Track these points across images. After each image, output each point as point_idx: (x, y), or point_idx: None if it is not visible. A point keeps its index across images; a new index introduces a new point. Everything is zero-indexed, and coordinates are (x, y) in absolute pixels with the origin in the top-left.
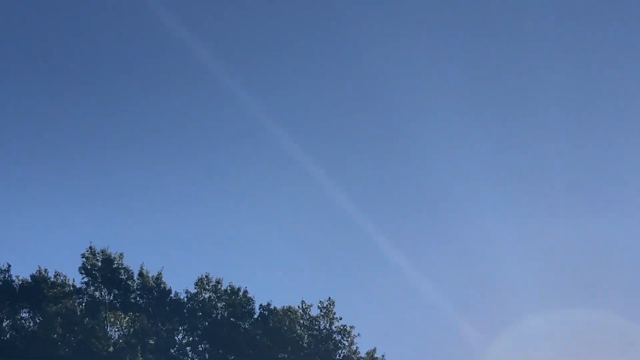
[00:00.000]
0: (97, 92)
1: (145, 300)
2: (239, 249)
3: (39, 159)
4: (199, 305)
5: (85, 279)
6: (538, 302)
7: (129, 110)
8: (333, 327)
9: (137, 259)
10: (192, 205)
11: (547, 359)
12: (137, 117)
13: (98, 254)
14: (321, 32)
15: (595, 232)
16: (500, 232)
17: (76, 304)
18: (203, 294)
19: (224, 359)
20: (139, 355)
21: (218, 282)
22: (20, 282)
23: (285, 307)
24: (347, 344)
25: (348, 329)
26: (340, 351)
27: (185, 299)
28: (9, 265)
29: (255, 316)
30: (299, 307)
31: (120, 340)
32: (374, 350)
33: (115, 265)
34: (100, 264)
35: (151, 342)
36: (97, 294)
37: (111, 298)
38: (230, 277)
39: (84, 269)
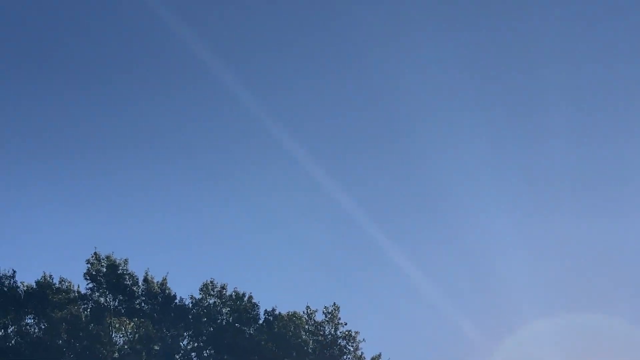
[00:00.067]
0: (98, 92)
1: (150, 306)
2: (241, 250)
3: (39, 161)
4: (203, 311)
5: (90, 285)
6: (544, 306)
7: (130, 110)
8: (338, 333)
9: (138, 261)
10: (193, 207)
11: None
12: (138, 117)
13: (103, 259)
14: (323, 32)
15: (600, 233)
16: (505, 234)
17: (81, 310)
18: (208, 300)
19: None
20: None
21: (223, 287)
22: (25, 288)
23: (290, 313)
24: (352, 349)
25: (353, 334)
26: (345, 356)
27: (190, 305)
28: (14, 272)
29: (260, 322)
30: (304, 312)
31: (125, 346)
32: (379, 355)
33: (120, 271)
34: (105, 269)
35: (156, 347)
36: (102, 299)
37: (116, 304)
38: (231, 278)
39: (88, 275)
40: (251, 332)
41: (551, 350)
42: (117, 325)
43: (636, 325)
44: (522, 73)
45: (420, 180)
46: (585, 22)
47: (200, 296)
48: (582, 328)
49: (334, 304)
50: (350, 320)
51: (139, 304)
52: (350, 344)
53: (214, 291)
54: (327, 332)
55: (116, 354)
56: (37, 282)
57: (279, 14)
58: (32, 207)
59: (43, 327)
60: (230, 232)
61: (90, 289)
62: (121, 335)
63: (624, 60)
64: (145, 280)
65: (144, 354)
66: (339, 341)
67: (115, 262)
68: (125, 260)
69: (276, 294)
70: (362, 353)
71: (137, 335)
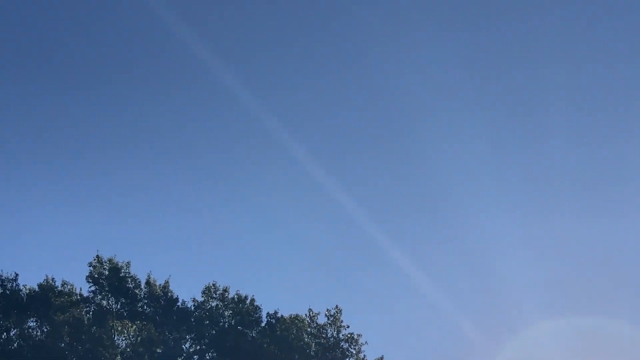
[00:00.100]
0: (98, 92)
1: (152, 308)
2: (240, 250)
3: (39, 162)
4: (206, 314)
5: (93, 288)
6: (546, 308)
7: (130, 110)
8: (340, 335)
9: (139, 261)
10: (193, 207)
11: None
12: (138, 117)
13: (105, 262)
14: (323, 32)
15: (602, 233)
16: (506, 234)
17: (83, 313)
18: (210, 303)
19: None
20: None
21: (225, 290)
22: (27, 291)
23: (292, 316)
24: (354, 352)
25: (355, 337)
26: (347, 359)
27: (193, 308)
28: (17, 274)
29: (263, 324)
30: (306, 315)
31: (128, 349)
32: (382, 358)
33: (122, 274)
34: (107, 272)
35: (158, 350)
36: (104, 302)
37: (118, 307)
38: (231, 278)
39: (91, 278)
40: (253, 335)
41: (554, 352)
42: (119, 328)
43: (639, 328)
44: (522, 73)
45: (421, 180)
46: (589, 20)
47: (202, 299)
48: (585, 330)
49: (337, 306)
50: (350, 320)
51: (142, 306)
52: (352, 346)
53: (216, 294)
54: (329, 335)
55: (118, 357)
56: (40, 285)
57: (279, 14)
58: (32, 209)
59: (45, 330)
60: (230, 232)
61: (92, 291)
62: (123, 338)
63: (625, 60)
64: (148, 283)
65: (146, 356)
66: (341, 344)
67: (117, 265)
68: (128, 263)
69: (276, 294)
70: (364, 356)
71: (139, 338)
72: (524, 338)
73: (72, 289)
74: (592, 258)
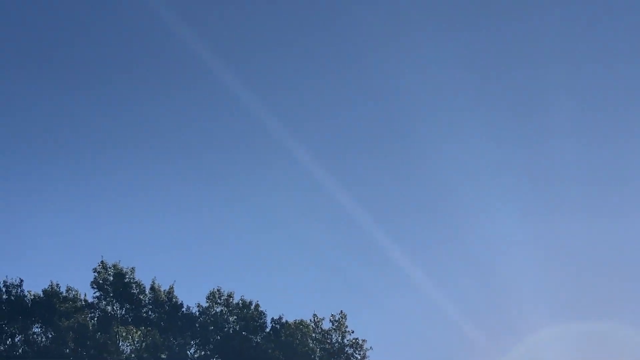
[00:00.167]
0: (98, 92)
1: (157, 314)
2: (240, 250)
3: (39, 164)
4: (210, 319)
5: (97, 294)
6: (552, 313)
7: (130, 111)
8: (345, 341)
9: (139, 262)
10: (193, 208)
11: None
12: (138, 118)
13: (109, 268)
14: (323, 32)
15: (607, 234)
16: (509, 234)
17: (88, 319)
18: (215, 308)
19: None
20: None
21: (230, 295)
22: (32, 297)
23: (297, 321)
24: (359, 357)
25: (360, 342)
26: None
27: (197, 313)
28: (21, 280)
29: (267, 330)
30: (310, 320)
31: (132, 355)
32: None
33: (126, 280)
34: (112, 278)
35: (163, 356)
36: (109, 308)
37: (123, 312)
38: (230, 277)
39: (95, 284)
40: (258, 340)
41: (559, 357)
42: (124, 334)
43: None
44: (523, 72)
45: (423, 180)
46: (594, 18)
47: (207, 304)
48: (591, 335)
49: (341, 311)
50: (351, 321)
51: (146, 312)
52: (357, 352)
53: (220, 299)
54: (334, 340)
55: None
56: (44, 291)
57: (279, 14)
58: (35, 214)
59: (50, 336)
60: (230, 232)
61: (97, 297)
62: (128, 344)
63: (634, 57)
64: (152, 288)
65: None
66: (346, 349)
67: (122, 270)
68: (132, 269)
69: (276, 294)
70: None
71: (144, 344)
72: (529, 342)
73: (77, 294)
74: (597, 260)
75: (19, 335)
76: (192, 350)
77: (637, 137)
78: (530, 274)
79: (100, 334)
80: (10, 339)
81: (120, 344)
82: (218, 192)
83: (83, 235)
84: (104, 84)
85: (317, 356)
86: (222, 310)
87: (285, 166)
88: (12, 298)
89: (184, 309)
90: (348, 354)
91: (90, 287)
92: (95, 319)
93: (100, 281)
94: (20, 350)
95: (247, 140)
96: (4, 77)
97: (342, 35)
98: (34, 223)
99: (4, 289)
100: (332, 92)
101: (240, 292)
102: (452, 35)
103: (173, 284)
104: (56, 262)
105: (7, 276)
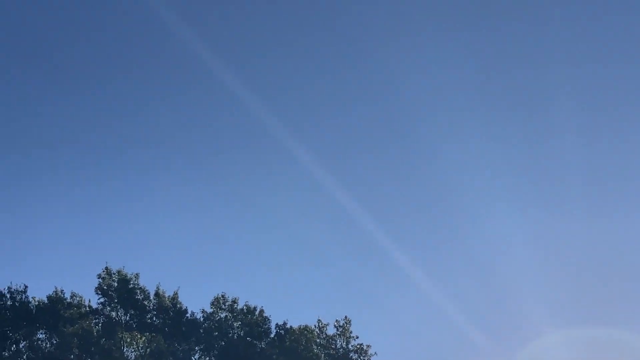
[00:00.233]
0: (98, 92)
1: (161, 320)
2: (240, 250)
3: (40, 167)
4: (215, 325)
5: (102, 300)
6: (557, 317)
7: (130, 111)
8: (350, 346)
9: (140, 261)
10: (193, 208)
11: None
12: (138, 118)
13: (114, 274)
14: (324, 32)
15: (610, 235)
16: (513, 235)
17: (93, 325)
18: (219, 314)
19: None
20: None
21: (234, 301)
22: (36, 303)
23: (301, 326)
24: None
25: (365, 347)
26: None
27: (202, 319)
28: (26, 287)
29: (272, 335)
30: (315, 325)
31: None
32: None
33: (131, 286)
34: (116, 284)
35: None
36: (113, 314)
37: (127, 318)
38: (230, 277)
39: (100, 290)
40: (263, 346)
41: None
42: (128, 340)
43: None
44: (524, 72)
45: (424, 180)
46: (596, 18)
47: (211, 310)
48: (597, 341)
49: (346, 317)
50: (360, 331)
51: (151, 318)
52: (362, 357)
53: (225, 305)
54: (338, 346)
55: None
56: (49, 297)
57: (279, 14)
58: (37, 218)
59: (55, 342)
60: (230, 232)
61: (101, 303)
62: (133, 350)
63: (625, 59)
64: (157, 294)
65: None
66: (351, 355)
67: (126, 276)
68: (137, 275)
69: (276, 294)
70: None
71: (148, 350)
72: (535, 347)
73: (81, 300)
74: (599, 261)
75: (23, 341)
76: (196, 356)
77: (637, 137)
78: (532, 274)
79: (105, 340)
80: (14, 345)
81: (125, 350)
82: (218, 193)
83: (86, 241)
84: (104, 85)
85: None
86: (226, 316)
87: (285, 166)
88: (17, 304)
89: (188, 315)
90: None
91: (94, 293)
92: (100, 325)
93: (105, 287)
94: (24, 357)
95: (247, 141)
96: (4, 77)
97: (342, 35)
98: (38, 229)
99: (8, 295)
100: (332, 92)
101: (240, 292)
102: (453, 35)
103: (177, 290)
104: (60, 268)
105: (11, 282)
